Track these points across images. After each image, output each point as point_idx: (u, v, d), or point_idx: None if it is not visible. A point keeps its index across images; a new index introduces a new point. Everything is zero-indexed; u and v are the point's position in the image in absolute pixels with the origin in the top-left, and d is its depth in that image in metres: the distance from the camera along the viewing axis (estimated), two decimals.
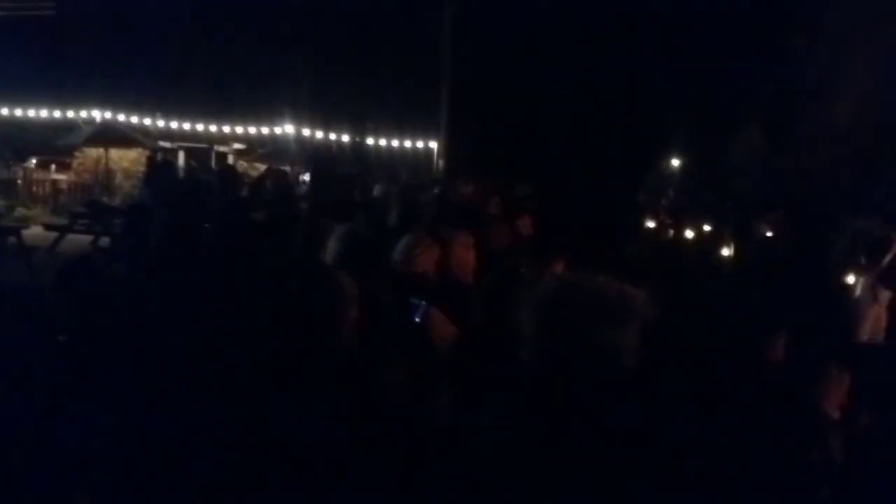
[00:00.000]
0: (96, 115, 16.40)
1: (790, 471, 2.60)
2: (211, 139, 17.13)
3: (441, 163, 15.41)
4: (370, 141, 16.96)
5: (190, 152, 17.06)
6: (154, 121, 16.61)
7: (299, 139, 16.73)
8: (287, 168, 13.39)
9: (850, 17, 13.78)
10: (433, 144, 16.45)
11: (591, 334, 1.46)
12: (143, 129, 16.64)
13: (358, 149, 16.55)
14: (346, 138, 16.97)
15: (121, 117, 16.48)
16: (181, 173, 13.53)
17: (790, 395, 2.90)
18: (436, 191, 7.43)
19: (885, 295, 7.43)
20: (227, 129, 16.89)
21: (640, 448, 1.46)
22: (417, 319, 3.03)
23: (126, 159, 16.69)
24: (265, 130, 16.99)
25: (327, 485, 1.82)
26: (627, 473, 1.39)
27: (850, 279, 7.10)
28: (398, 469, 1.91)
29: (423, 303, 3.04)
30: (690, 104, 15.07)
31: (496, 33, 15.25)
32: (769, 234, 9.72)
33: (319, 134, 16.87)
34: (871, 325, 7.21)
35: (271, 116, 16.81)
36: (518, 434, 1.44)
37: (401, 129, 16.88)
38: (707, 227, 10.76)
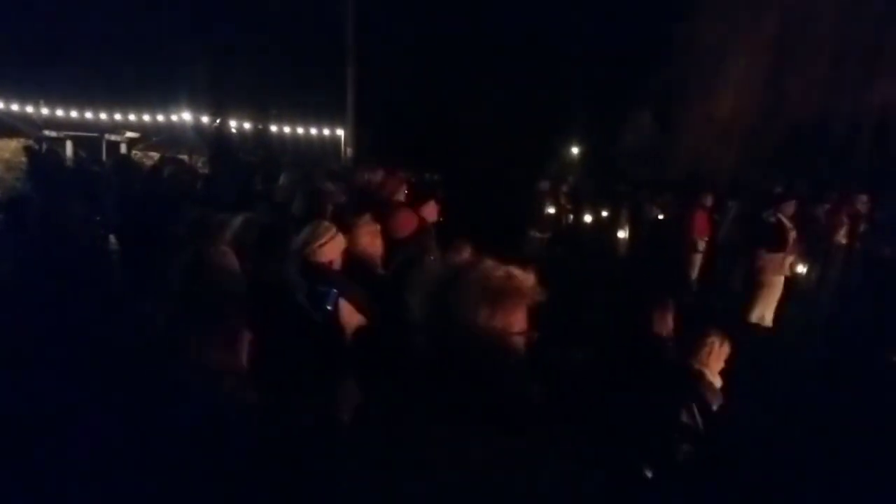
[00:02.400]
0: None
1: (673, 429, 2.80)
2: (101, 127, 16.14)
3: (349, 151, 15.22)
4: (273, 128, 16.50)
5: (78, 141, 16.01)
6: (38, 108, 15.46)
7: (197, 126, 16.06)
8: (185, 156, 12.82)
9: (732, 8, 14.64)
10: (340, 132, 16.21)
11: (479, 318, 1.48)
12: (25, 117, 15.44)
13: (260, 136, 16.06)
14: (247, 125, 16.44)
15: (0, 104, 15.26)
16: (69, 164, 12.69)
17: (675, 363, 3.11)
18: (343, 178, 7.36)
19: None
20: (118, 116, 15.97)
21: (534, 426, 1.51)
22: (328, 307, 3.02)
23: (7, 149, 15.42)
24: (160, 117, 16.19)
25: (229, 477, 1.80)
26: (523, 452, 1.43)
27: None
28: (304, 459, 1.92)
29: (334, 290, 3.03)
30: (587, 93, 15.59)
31: (401, 21, 15.17)
32: (660, 216, 10.31)
33: (218, 121, 16.26)
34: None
35: (167, 102, 16.03)
36: (413, 420, 1.45)
37: (306, 117, 16.52)
38: (604, 212, 11.27)
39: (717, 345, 3.41)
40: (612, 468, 2.66)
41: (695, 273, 9.00)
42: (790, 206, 7.75)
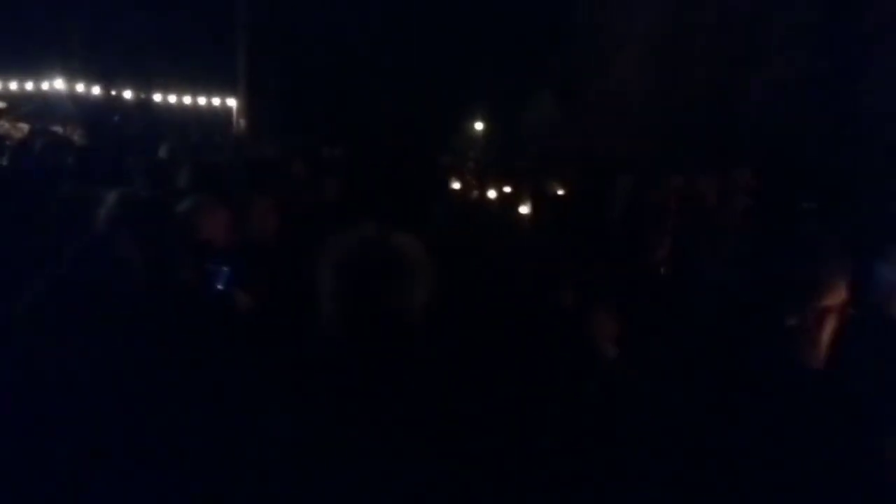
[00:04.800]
0: None
1: (573, 399, 2.87)
2: None
3: (242, 122, 14.67)
4: (157, 98, 15.58)
5: None
6: None
7: (73, 95, 14.96)
8: (59, 129, 11.86)
9: None
10: (232, 102, 15.58)
11: (387, 292, 1.44)
12: None
13: (143, 106, 15.13)
14: (128, 94, 15.45)
15: None
16: None
17: (573, 336, 3.17)
18: (234, 151, 7.02)
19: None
20: None
21: (440, 398, 1.48)
22: (220, 286, 2.87)
23: None
24: (30, 85, 15.00)
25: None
26: (429, 423, 1.40)
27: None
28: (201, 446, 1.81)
29: (225, 269, 2.89)
30: (490, 71, 15.77)
31: None
32: (560, 192, 10.68)
33: (97, 90, 15.19)
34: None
35: (38, 69, 14.86)
36: (315, 399, 1.39)
37: (194, 85, 15.70)
38: (507, 188, 11.55)
39: (607, 316, 3.48)
40: (515, 438, 2.73)
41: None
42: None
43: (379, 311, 1.45)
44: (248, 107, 14.58)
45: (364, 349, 1.43)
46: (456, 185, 11.59)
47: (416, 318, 1.49)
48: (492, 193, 11.46)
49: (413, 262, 1.50)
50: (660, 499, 1.33)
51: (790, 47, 12.65)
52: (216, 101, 15.99)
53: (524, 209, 10.71)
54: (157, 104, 15.51)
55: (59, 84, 15.11)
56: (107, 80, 15.00)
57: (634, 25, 14.69)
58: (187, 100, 15.79)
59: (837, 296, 1.33)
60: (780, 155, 10.98)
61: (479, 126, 18.01)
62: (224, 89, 15.58)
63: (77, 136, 11.26)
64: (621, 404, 3.18)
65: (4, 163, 6.49)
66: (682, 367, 1.48)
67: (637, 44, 14.63)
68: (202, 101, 15.90)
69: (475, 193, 11.81)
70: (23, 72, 14.88)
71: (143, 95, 15.39)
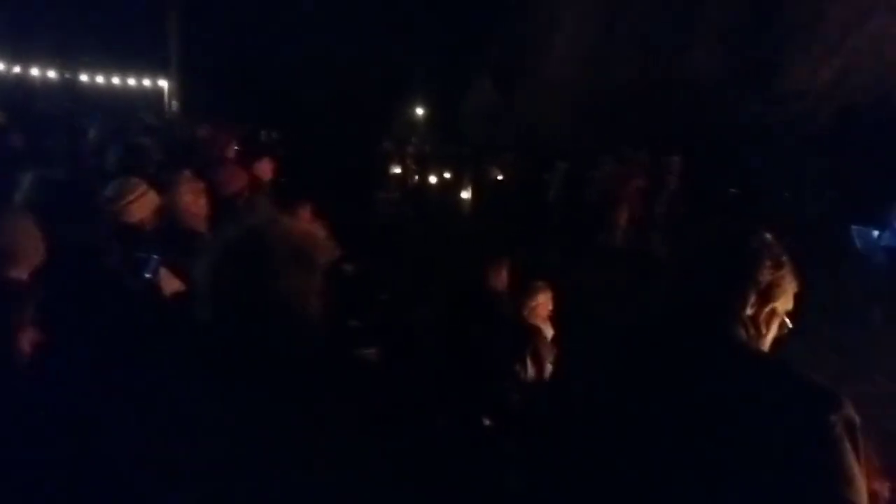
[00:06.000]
0: None
1: (507, 379, 2.88)
2: None
3: (174, 104, 14.12)
4: (84, 78, 14.81)
5: None
6: None
7: None
8: None
9: None
10: (163, 83, 14.95)
11: (275, 280, 1.37)
12: None
13: (69, 87, 14.36)
14: (52, 74, 14.62)
15: None
16: None
17: (509, 316, 3.19)
18: (165, 133, 6.76)
19: None
20: None
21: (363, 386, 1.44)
22: (148, 275, 2.73)
23: None
24: None
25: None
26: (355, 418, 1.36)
27: None
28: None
29: (154, 257, 2.75)
30: (430, 56, 15.67)
31: None
32: (500, 177, 10.77)
33: (17, 69, 14.33)
34: None
35: None
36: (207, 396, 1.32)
37: (123, 65, 15.01)
38: (447, 174, 11.55)
39: (544, 297, 3.52)
40: (453, 418, 2.72)
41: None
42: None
43: (233, 300, 1.35)
44: (181, 89, 14.06)
45: (232, 338, 1.33)
46: (397, 171, 11.51)
47: (314, 305, 1.44)
48: (433, 179, 11.44)
49: (308, 247, 1.40)
50: (602, 474, 1.33)
51: (715, 42, 13.04)
52: (147, 82, 15.35)
53: (465, 194, 10.76)
54: (83, 85, 14.76)
55: None
56: (28, 59, 14.18)
57: (568, 12, 14.87)
58: (116, 80, 15.11)
59: (786, 301, 1.36)
60: (707, 143, 11.33)
61: (419, 112, 17.92)
62: (155, 71, 14.98)
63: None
64: (564, 384, 3.22)
65: None
66: (628, 347, 1.48)
67: (571, 32, 14.80)
68: (132, 81, 15.24)
69: (416, 178, 11.74)
70: None
71: (67, 75, 14.61)
